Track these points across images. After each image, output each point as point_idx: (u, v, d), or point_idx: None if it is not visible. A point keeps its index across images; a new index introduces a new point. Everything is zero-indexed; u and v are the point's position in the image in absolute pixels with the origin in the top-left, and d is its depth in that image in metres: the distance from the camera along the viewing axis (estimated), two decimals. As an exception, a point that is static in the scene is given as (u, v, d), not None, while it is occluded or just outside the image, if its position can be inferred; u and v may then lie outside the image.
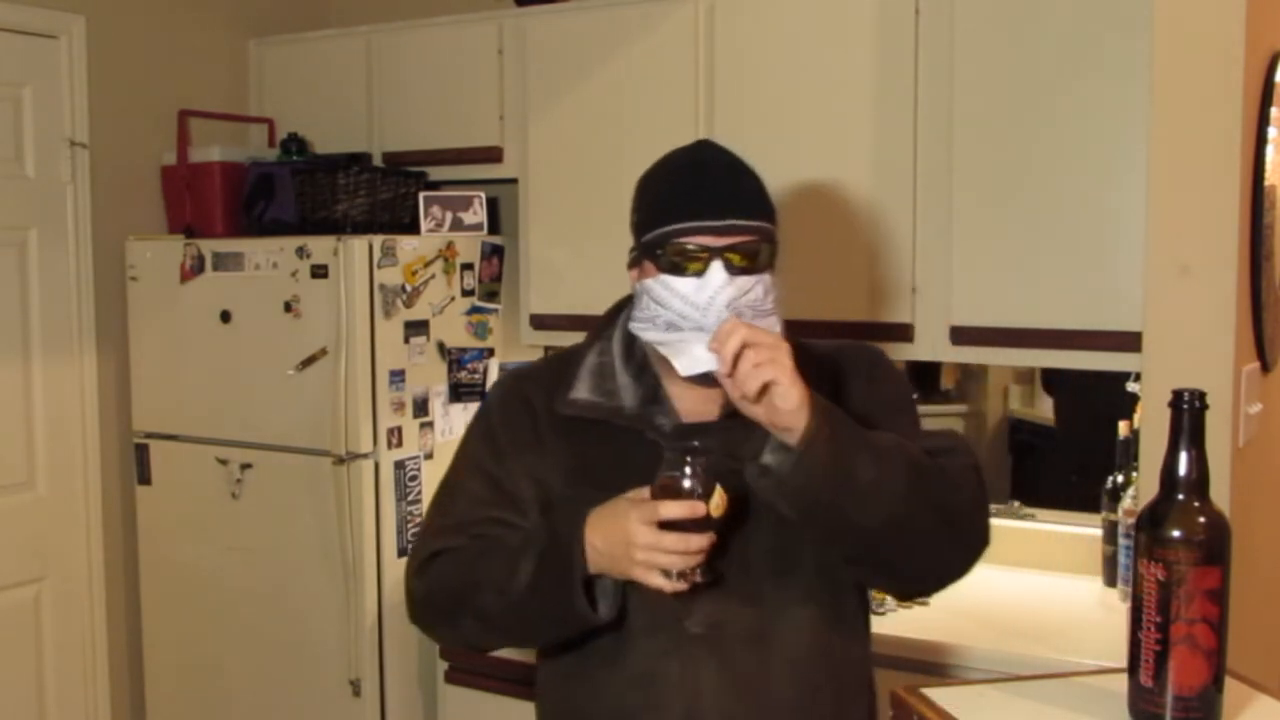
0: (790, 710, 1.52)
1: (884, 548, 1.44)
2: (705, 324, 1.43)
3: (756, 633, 1.51)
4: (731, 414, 1.46)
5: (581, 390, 1.56)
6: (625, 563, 1.41)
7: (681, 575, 1.41)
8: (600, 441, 1.54)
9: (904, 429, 1.55)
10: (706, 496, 1.39)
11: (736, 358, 1.35)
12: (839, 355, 1.64)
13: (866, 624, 1.64)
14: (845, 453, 1.37)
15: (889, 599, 2.59)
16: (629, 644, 1.52)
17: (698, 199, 1.48)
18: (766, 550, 1.51)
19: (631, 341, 1.58)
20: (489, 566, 1.52)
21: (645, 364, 1.57)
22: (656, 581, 1.40)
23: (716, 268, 1.44)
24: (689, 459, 1.40)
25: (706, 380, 1.42)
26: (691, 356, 1.41)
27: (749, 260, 1.47)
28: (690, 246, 1.45)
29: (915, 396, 4.25)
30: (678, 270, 1.46)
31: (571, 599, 1.44)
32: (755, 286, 1.47)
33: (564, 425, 1.56)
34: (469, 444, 1.65)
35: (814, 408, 1.35)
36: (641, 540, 1.38)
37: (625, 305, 1.63)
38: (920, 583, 1.59)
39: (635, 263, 1.54)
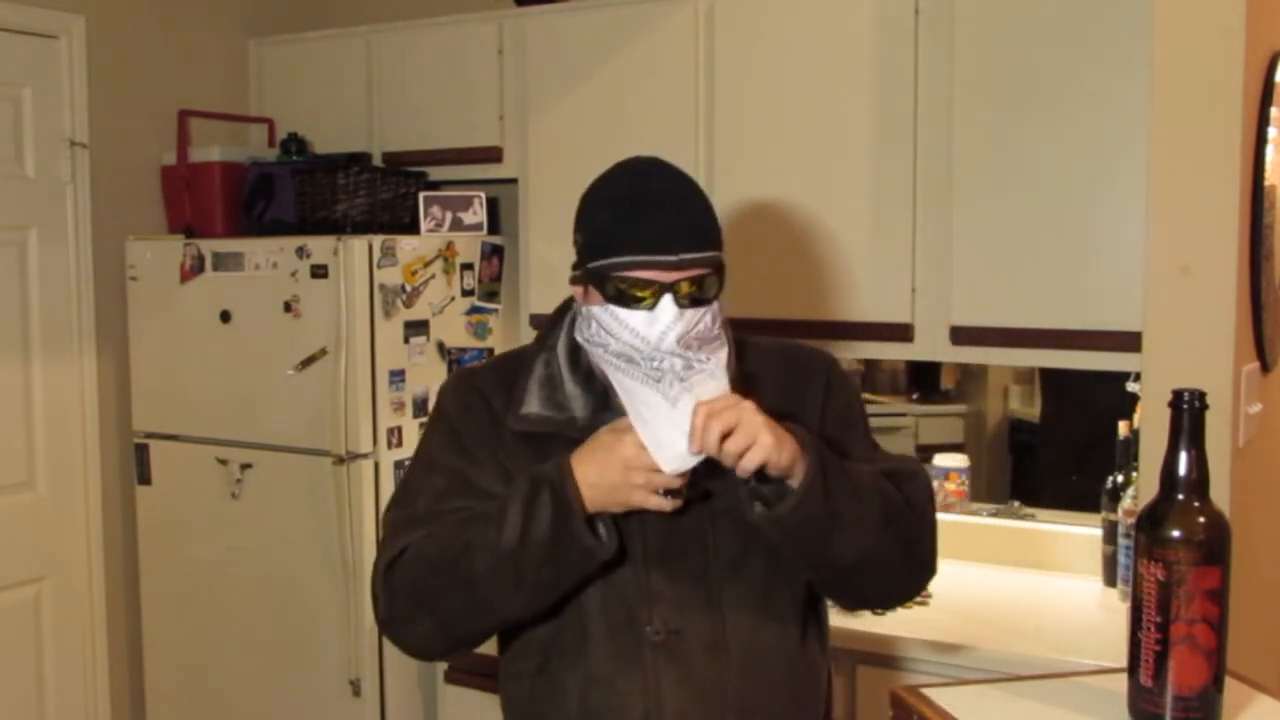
0: (749, 713, 1.52)
1: (852, 576, 1.52)
2: (657, 358, 1.43)
3: (714, 638, 1.51)
4: None
5: (532, 404, 1.54)
6: (624, 490, 1.41)
7: (673, 493, 1.43)
8: (555, 452, 1.50)
9: (859, 438, 1.63)
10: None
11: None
12: (793, 357, 1.65)
13: (822, 627, 1.66)
14: (837, 495, 1.43)
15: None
16: (590, 649, 1.52)
17: (646, 230, 1.44)
18: (722, 558, 1.53)
19: (577, 350, 1.56)
20: (470, 532, 1.46)
21: (592, 371, 1.55)
22: (655, 502, 1.42)
23: (666, 302, 1.42)
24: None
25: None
26: (673, 455, 1.41)
27: (698, 291, 1.44)
28: (639, 280, 1.43)
29: (915, 396, 4.26)
30: (625, 302, 1.43)
31: (576, 536, 1.42)
32: (704, 317, 1.45)
33: (518, 437, 1.55)
34: (428, 445, 1.61)
35: (806, 454, 1.41)
36: (640, 462, 1.39)
37: (567, 310, 1.61)
38: (875, 604, 1.69)
39: (579, 282, 1.52)
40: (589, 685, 1.52)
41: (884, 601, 1.70)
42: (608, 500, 1.43)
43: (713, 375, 1.44)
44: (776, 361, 1.61)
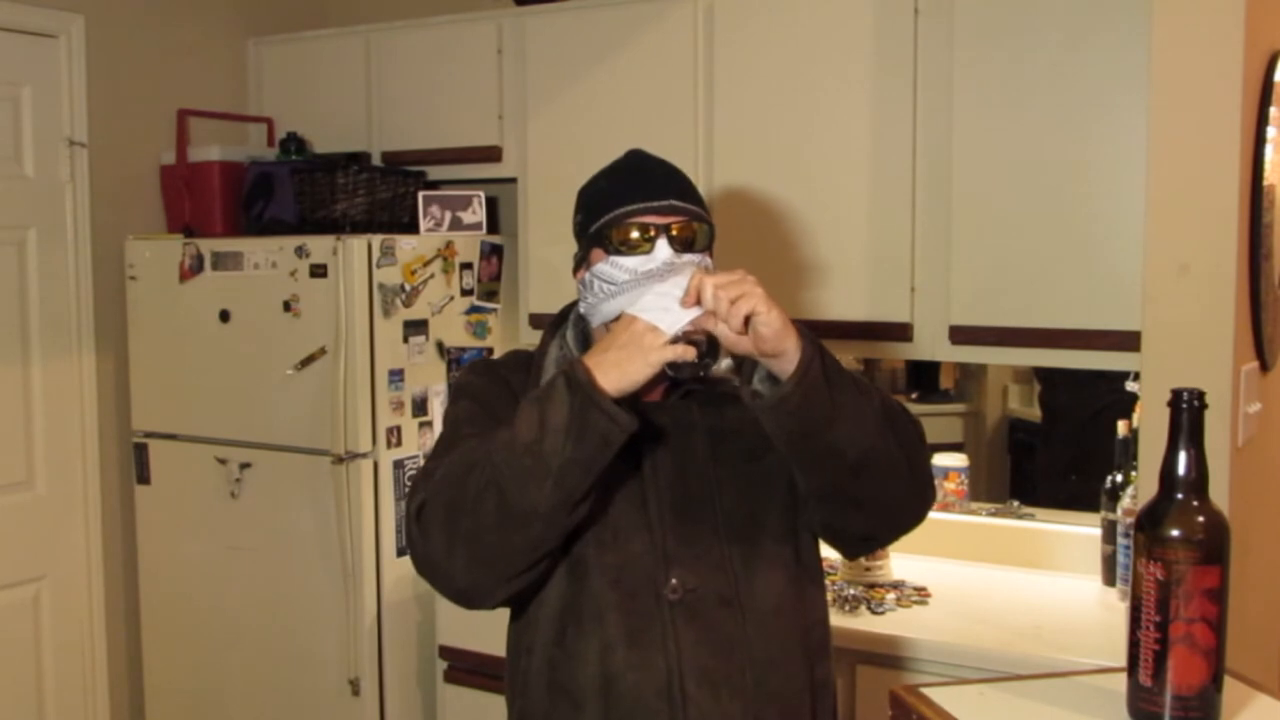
0: (766, 665, 1.56)
1: (856, 481, 1.51)
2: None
3: (729, 595, 1.55)
4: (683, 395, 1.61)
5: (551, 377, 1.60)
6: (636, 353, 1.42)
7: (688, 341, 1.43)
8: None
9: None
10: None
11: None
12: None
13: (824, 590, 1.69)
14: (834, 377, 1.46)
15: (887, 599, 2.60)
16: (607, 614, 1.55)
17: (638, 185, 1.61)
18: (733, 518, 1.58)
19: (586, 337, 1.66)
20: (491, 442, 1.46)
21: None
22: (668, 354, 1.42)
23: (662, 244, 1.56)
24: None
25: (683, 373, 1.48)
26: (671, 317, 1.44)
27: (689, 239, 1.58)
28: (635, 225, 1.57)
29: (914, 396, 4.26)
30: (623, 249, 1.57)
31: (595, 403, 1.40)
32: (698, 264, 1.57)
33: None
34: (454, 416, 1.64)
35: (801, 338, 1.44)
36: (642, 323, 1.43)
37: (573, 308, 1.71)
38: (880, 526, 1.62)
39: (582, 260, 1.64)
40: (608, 649, 1.54)
41: (889, 520, 1.61)
42: (622, 373, 1.43)
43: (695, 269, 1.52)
44: None
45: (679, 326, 1.44)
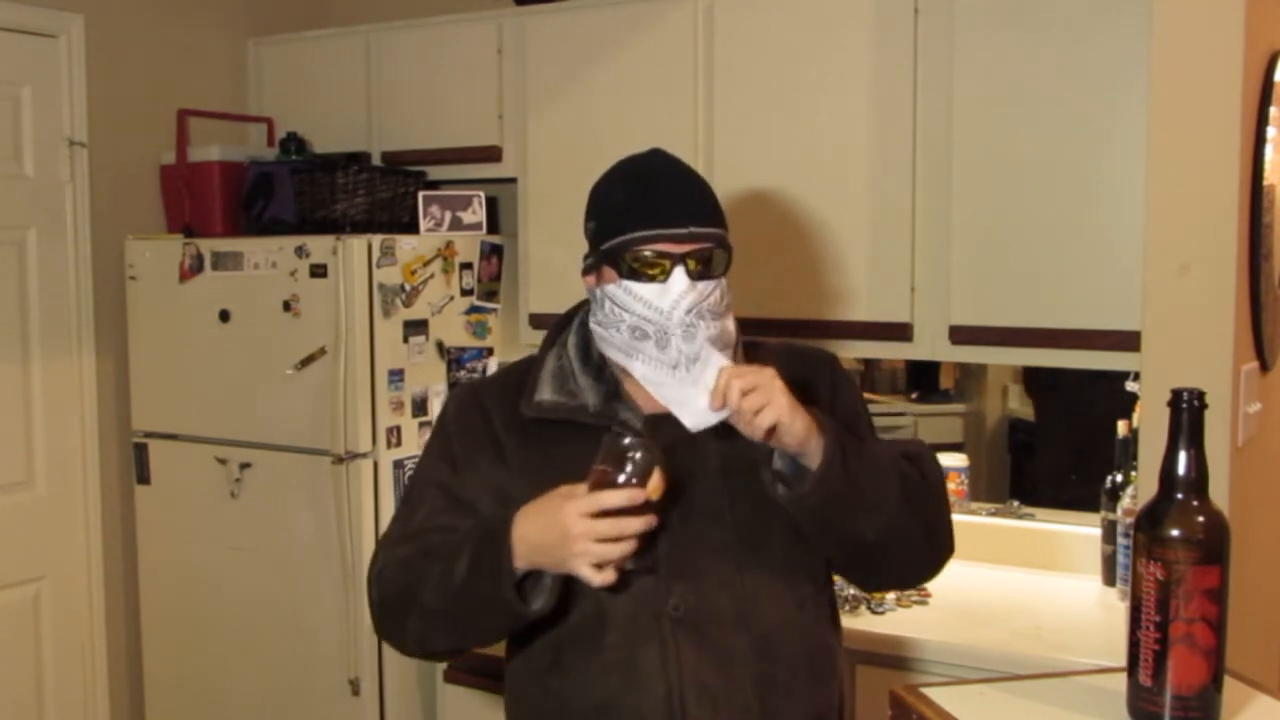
0: (768, 685, 1.55)
1: (876, 554, 1.56)
2: (669, 329, 1.50)
3: (734, 613, 1.54)
4: None
5: (545, 392, 1.60)
6: (562, 554, 1.40)
7: (615, 566, 1.40)
8: (565, 441, 1.56)
9: (865, 433, 1.68)
10: (643, 481, 1.39)
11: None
12: (796, 355, 1.70)
13: (835, 613, 1.69)
14: (856, 468, 1.47)
15: (888, 599, 2.59)
16: (608, 632, 1.53)
17: (657, 207, 1.53)
18: (741, 535, 1.56)
19: (587, 345, 1.63)
20: (430, 565, 1.52)
21: (603, 366, 1.61)
22: (585, 573, 1.40)
23: (678, 274, 1.51)
24: (626, 443, 1.40)
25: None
26: (694, 412, 1.46)
27: (707, 266, 1.53)
28: (651, 253, 1.51)
29: (914, 396, 4.27)
30: (639, 276, 1.52)
31: (501, 592, 1.44)
32: (714, 291, 1.53)
33: (526, 429, 1.59)
34: (427, 458, 1.67)
35: (823, 433, 1.45)
36: (577, 530, 1.38)
37: (577, 312, 1.69)
38: (896, 583, 1.72)
39: (593, 269, 1.60)
40: (609, 669, 1.53)
41: (905, 580, 1.72)
42: (543, 562, 1.44)
43: (722, 360, 1.50)
44: (781, 361, 1.64)
45: (704, 425, 1.45)
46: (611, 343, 1.56)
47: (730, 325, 1.57)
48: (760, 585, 1.55)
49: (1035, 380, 3.73)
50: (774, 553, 1.56)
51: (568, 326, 1.68)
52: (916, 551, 1.59)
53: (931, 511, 1.60)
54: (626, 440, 1.40)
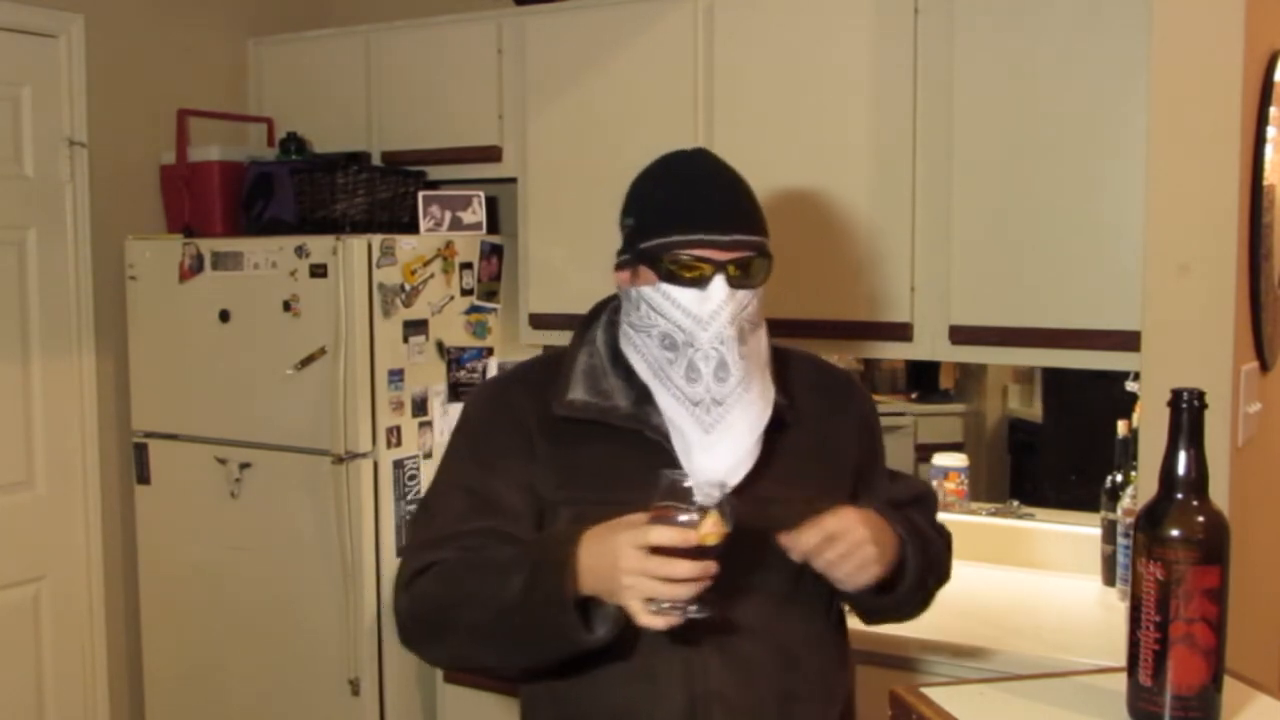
0: (789, 699, 1.54)
1: (888, 609, 1.65)
2: (701, 339, 1.47)
3: (757, 625, 1.52)
4: None
5: (577, 391, 1.55)
6: (612, 585, 1.34)
7: (672, 608, 1.33)
8: (595, 441, 1.53)
9: (880, 466, 1.73)
10: (698, 524, 1.33)
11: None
12: (824, 375, 1.71)
13: (845, 623, 1.71)
14: (915, 572, 1.56)
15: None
16: (630, 641, 1.49)
17: (703, 211, 1.49)
18: (767, 549, 1.52)
19: (616, 348, 1.58)
20: (478, 580, 1.46)
21: (632, 371, 1.56)
22: (642, 618, 1.33)
23: (718, 281, 1.46)
24: (687, 485, 1.34)
25: None
26: (703, 484, 1.37)
27: (746, 274, 1.49)
28: (692, 258, 1.47)
29: (914, 396, 4.26)
30: (677, 280, 1.48)
31: (561, 618, 1.38)
32: (752, 301, 1.50)
33: (556, 427, 1.55)
34: (452, 456, 1.62)
35: (901, 554, 1.52)
36: (625, 564, 1.32)
37: (605, 307, 1.64)
38: (895, 622, 1.76)
39: (627, 266, 1.55)
40: (630, 678, 1.50)
41: (906, 619, 1.75)
42: (602, 591, 1.37)
43: (751, 405, 1.48)
44: (810, 376, 1.67)
45: (708, 481, 1.37)
46: (640, 354, 1.53)
47: (763, 342, 1.54)
48: (784, 597, 1.54)
49: (1051, 382, 3.72)
50: (795, 568, 1.52)
51: (595, 322, 1.63)
52: (925, 603, 1.68)
53: (943, 569, 1.69)
54: (688, 483, 1.34)
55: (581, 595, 1.38)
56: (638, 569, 1.32)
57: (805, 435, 1.57)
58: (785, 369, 1.60)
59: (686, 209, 1.49)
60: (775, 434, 1.52)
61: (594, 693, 1.53)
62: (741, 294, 1.48)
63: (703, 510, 1.33)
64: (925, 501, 1.72)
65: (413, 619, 1.53)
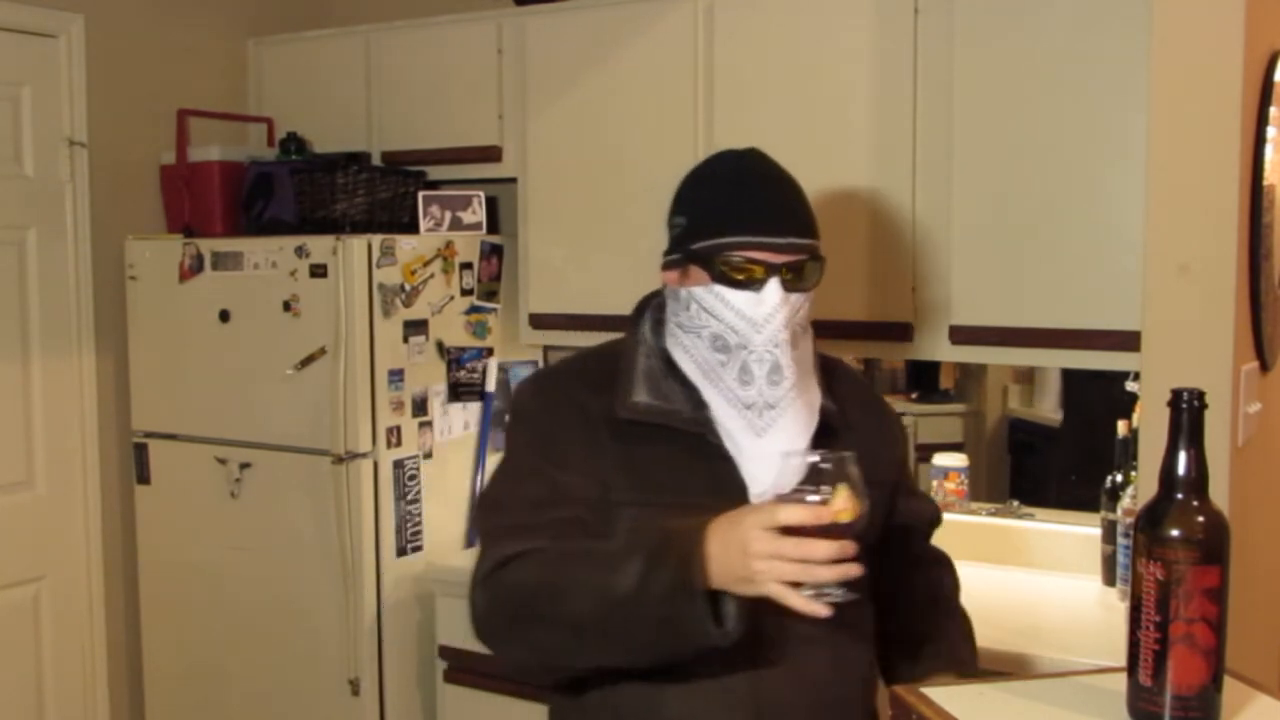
0: (842, 706, 1.55)
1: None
2: (755, 342, 1.46)
3: (815, 634, 1.46)
4: None
5: (640, 393, 1.52)
6: (743, 573, 1.28)
7: (820, 594, 1.27)
8: (656, 444, 1.50)
9: (908, 471, 1.78)
10: (830, 499, 1.26)
11: None
12: (864, 387, 1.77)
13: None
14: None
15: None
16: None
17: (757, 212, 1.48)
18: None
19: (667, 351, 1.56)
20: (583, 569, 1.39)
21: (685, 375, 1.54)
22: (792, 600, 1.26)
23: (773, 285, 1.45)
24: (817, 459, 1.28)
25: None
26: (753, 477, 1.42)
27: (799, 276, 1.48)
28: (746, 260, 1.46)
29: (914, 396, 4.26)
30: (731, 282, 1.46)
31: (689, 610, 1.30)
32: (804, 305, 1.49)
33: (620, 428, 1.51)
34: (517, 449, 1.56)
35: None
36: (755, 547, 1.26)
37: (648, 305, 1.62)
38: None
39: (676, 265, 1.53)
40: (693, 692, 1.46)
41: None
42: (730, 582, 1.30)
43: (802, 410, 1.48)
44: (854, 386, 1.69)
45: (760, 494, 1.36)
46: (689, 354, 1.51)
47: (810, 345, 1.54)
48: (845, 609, 1.45)
49: (1068, 383, 3.71)
50: (862, 580, 1.47)
51: (641, 320, 1.60)
52: None
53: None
54: (818, 457, 1.28)
55: (708, 588, 1.30)
56: (769, 552, 1.26)
57: (850, 443, 1.51)
58: (832, 377, 1.60)
59: (740, 210, 1.48)
60: (823, 439, 1.49)
61: (654, 707, 1.47)
62: (795, 297, 1.47)
63: (833, 487, 1.27)
64: (935, 524, 1.78)
65: (496, 612, 1.46)
